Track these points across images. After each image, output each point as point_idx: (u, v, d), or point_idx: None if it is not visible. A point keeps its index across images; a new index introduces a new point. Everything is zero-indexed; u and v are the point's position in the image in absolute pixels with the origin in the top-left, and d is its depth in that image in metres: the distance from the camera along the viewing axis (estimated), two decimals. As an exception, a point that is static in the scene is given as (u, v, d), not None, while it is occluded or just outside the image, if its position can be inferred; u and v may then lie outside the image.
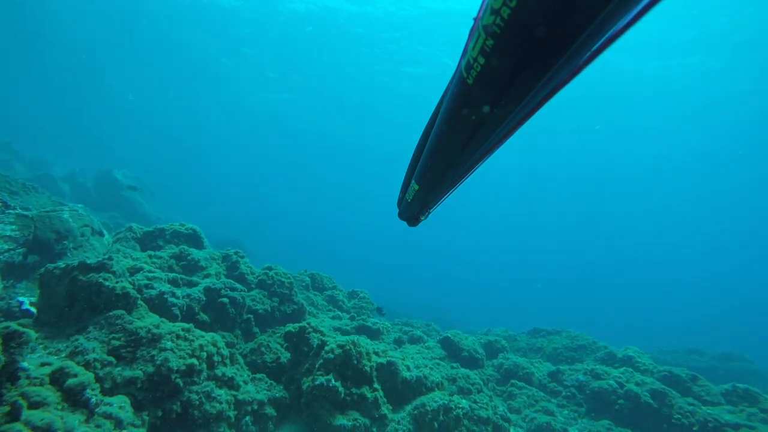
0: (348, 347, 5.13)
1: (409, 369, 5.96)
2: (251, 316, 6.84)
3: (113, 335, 4.58)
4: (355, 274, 39.38)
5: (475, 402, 6.50)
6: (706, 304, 60.87)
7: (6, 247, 5.92)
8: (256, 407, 4.96)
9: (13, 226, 6.19)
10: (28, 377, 3.39)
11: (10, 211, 6.28)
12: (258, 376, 5.37)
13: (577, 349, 10.87)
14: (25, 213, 6.45)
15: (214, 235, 29.59)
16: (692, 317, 51.92)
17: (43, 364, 3.69)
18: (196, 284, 6.68)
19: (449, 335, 8.98)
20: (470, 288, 59.67)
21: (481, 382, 7.41)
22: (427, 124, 1.70)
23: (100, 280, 4.99)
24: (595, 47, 0.89)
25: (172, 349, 4.51)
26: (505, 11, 0.83)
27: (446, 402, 5.78)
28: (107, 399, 3.73)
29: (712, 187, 49.79)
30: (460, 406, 5.89)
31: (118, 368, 4.30)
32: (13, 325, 3.25)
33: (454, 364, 7.95)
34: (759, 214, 52.37)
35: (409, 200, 2.03)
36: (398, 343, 9.00)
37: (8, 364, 3.14)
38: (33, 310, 5.74)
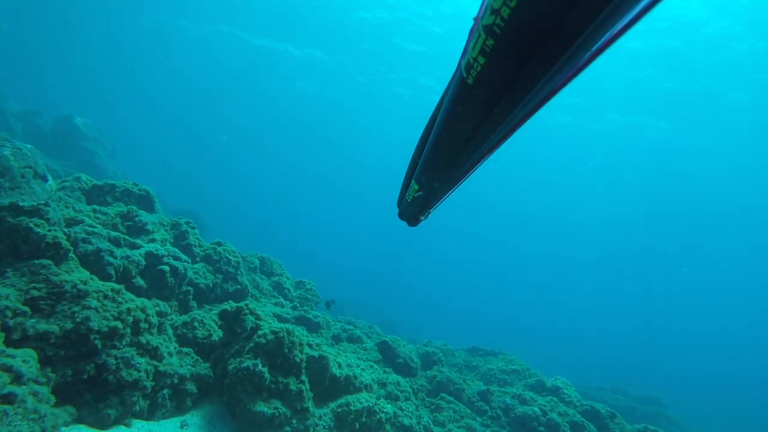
0: (282, 335, 5.04)
1: (340, 366, 5.93)
2: (191, 288, 6.63)
3: (34, 284, 4.33)
4: (309, 265, 39.04)
5: (400, 409, 6.53)
6: (646, 346, 63.82)
7: (-66, 173, 5.51)
8: (176, 381, 4.80)
9: (-53, 153, 5.78)
10: (-75, 313, 3.14)
11: (-53, 136, 5.85)
12: (185, 350, 5.20)
13: (511, 373, 11.14)
14: (-37, 142, 6.03)
15: (171, 201, 28.67)
16: (631, 357, 54.31)
17: (-54, 303, 3.44)
18: (138, 247, 6.42)
19: (387, 340, 9.01)
20: (421, 297, 60.29)
21: (411, 391, 7.45)
22: (427, 124, 1.70)
23: (31, 225, 4.71)
24: (595, 47, 0.89)
25: (96, 309, 4.30)
26: (505, 11, 0.83)
27: (371, 404, 5.78)
28: (11, 351, 3.51)
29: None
30: (385, 410, 5.90)
31: (33, 320, 4.06)
32: None
33: (387, 369, 7.97)
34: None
35: (409, 200, 2.03)
36: (336, 339, 8.95)
37: None
38: (-48, 245, 5.35)
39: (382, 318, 26.16)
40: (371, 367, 7.14)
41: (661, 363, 55.47)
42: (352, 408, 5.57)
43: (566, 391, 9.43)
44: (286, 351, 5.08)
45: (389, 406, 6.10)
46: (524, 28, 0.84)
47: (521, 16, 0.82)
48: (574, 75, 0.98)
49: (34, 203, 4.90)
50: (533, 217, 64.57)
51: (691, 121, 29.43)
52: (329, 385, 5.76)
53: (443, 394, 8.67)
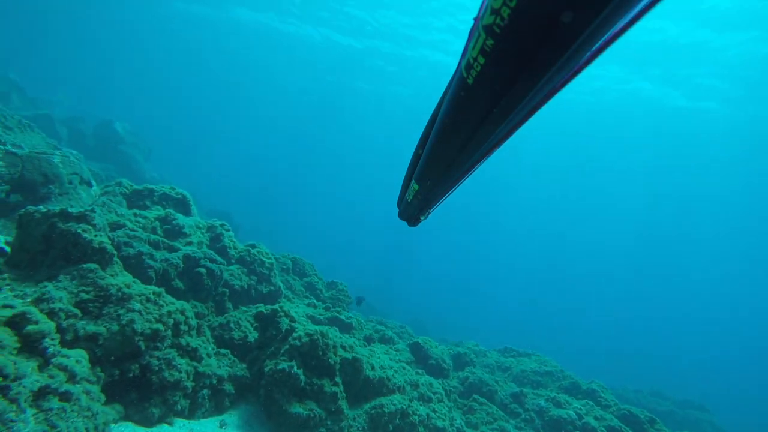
0: (316, 337, 5.12)
1: (373, 368, 5.97)
2: (227, 290, 6.80)
3: (83, 288, 4.53)
4: (339, 265, 39.33)
5: (433, 411, 6.53)
6: (684, 348, 61.50)
7: (-10, 182, 5.84)
8: (215, 382, 4.94)
9: (1, 163, 6.11)
10: (-12, 317, 3.34)
11: (0, 146, 6.19)
12: (222, 351, 5.35)
13: (544, 375, 10.95)
14: (15, 151, 6.37)
15: (205, 203, 29.44)
16: (667, 359, 52.48)
17: (5, 306, 3.65)
18: (177, 250, 6.63)
19: (419, 341, 9.00)
20: (452, 296, 59.86)
21: (443, 392, 7.43)
22: (427, 124, 1.70)
23: (79, 230, 4.93)
24: (595, 47, 0.89)
25: (139, 311, 4.48)
26: (505, 11, 0.83)
27: (405, 406, 5.80)
28: (65, 351, 3.69)
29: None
30: (418, 412, 5.91)
31: (83, 322, 4.26)
32: (-19, 262, 3.20)
33: (420, 370, 7.96)
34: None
35: (409, 200, 2.04)
36: (368, 340, 9.00)
37: (-31, 301, 3.09)
38: (7, 249, 5.66)
39: (412, 316, 26.14)
40: (404, 368, 7.15)
41: (701, 365, 53.36)
42: (385, 410, 5.60)
43: (602, 394, 9.19)
44: (321, 353, 5.15)
45: (422, 407, 6.11)
46: (524, 28, 0.84)
47: (521, 16, 0.82)
48: (574, 75, 0.98)
49: (82, 209, 5.13)
50: (560, 210, 63.05)
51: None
52: (363, 387, 5.81)
53: (476, 396, 8.61)
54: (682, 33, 23.48)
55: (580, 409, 8.13)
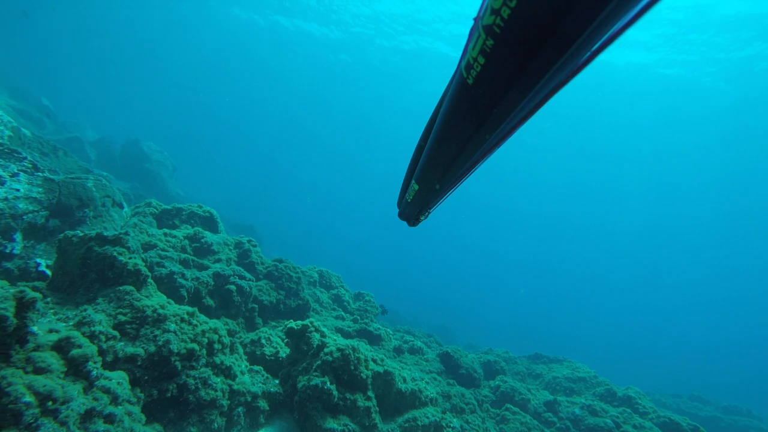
0: (347, 352, 5.13)
1: (405, 381, 5.94)
2: (256, 306, 6.89)
3: (120, 310, 4.66)
4: (363, 272, 39.45)
5: (467, 422, 6.46)
6: (719, 351, 59.27)
7: (31, 208, 6.07)
8: (249, 399, 4.99)
9: (40, 189, 6.35)
10: (36, 342, 3.46)
11: (39, 173, 6.44)
12: (255, 368, 5.41)
13: (577, 381, 10.71)
14: (53, 177, 6.61)
15: (229, 217, 29.93)
16: (702, 361, 50.66)
17: (51, 331, 3.77)
18: (206, 268, 6.76)
19: (449, 351, 8.92)
20: (477, 301, 59.26)
21: (476, 403, 7.34)
22: (427, 124, 1.71)
23: (115, 254, 5.07)
24: (595, 47, 0.89)
25: (175, 332, 4.57)
26: (505, 11, 0.84)
27: (438, 419, 5.74)
28: (107, 373, 3.80)
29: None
30: (452, 425, 5.85)
31: (121, 343, 4.38)
32: (28, 290, 3.32)
33: (451, 381, 7.89)
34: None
35: (409, 200, 2.04)
36: (398, 351, 8.97)
37: (19, 327, 3.22)
38: (48, 272, 5.88)
39: (440, 324, 25.94)
40: (435, 379, 7.11)
41: (744, 369, 51.22)
42: (419, 423, 5.56)
43: (640, 401, 8.91)
44: (353, 368, 5.16)
45: (456, 419, 6.04)
46: (524, 28, 0.84)
47: (521, 16, 0.82)
48: (574, 74, 0.98)
49: (116, 233, 5.28)
50: (571, 201, 61.57)
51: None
52: (395, 400, 5.78)
53: (508, 405, 8.47)
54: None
55: (618, 417, 7.91)
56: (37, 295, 3.37)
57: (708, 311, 67.35)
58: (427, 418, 5.66)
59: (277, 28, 36.88)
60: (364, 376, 5.25)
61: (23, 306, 3.28)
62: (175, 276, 6.01)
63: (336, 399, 5.00)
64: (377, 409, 5.35)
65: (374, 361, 5.66)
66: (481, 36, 0.94)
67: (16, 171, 6.20)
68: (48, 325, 3.98)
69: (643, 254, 65.92)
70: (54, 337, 3.68)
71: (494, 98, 1.04)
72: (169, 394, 4.44)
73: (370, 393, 5.28)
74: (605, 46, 0.89)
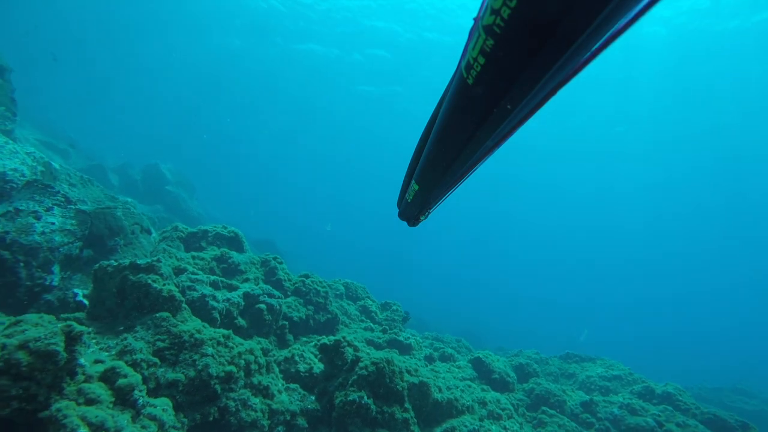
0: (382, 365, 5.15)
1: (440, 390, 5.93)
2: (286, 323, 6.97)
3: (158, 337, 4.76)
4: (384, 280, 39.42)
5: (505, 429, 6.40)
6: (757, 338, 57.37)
7: (66, 240, 6.26)
8: (288, 417, 5.04)
9: (73, 221, 6.55)
10: (84, 374, 3.57)
11: (71, 206, 6.64)
12: (292, 386, 5.46)
13: (612, 379, 10.50)
14: (84, 209, 6.81)
15: (249, 234, 30.32)
16: (738, 352, 49.12)
17: (96, 362, 3.88)
18: (235, 288, 6.87)
19: (480, 356, 8.86)
20: (502, 302, 58.65)
21: (512, 408, 7.27)
22: (427, 124, 1.70)
23: (149, 281, 5.20)
24: (595, 46, 0.90)
25: (212, 355, 4.66)
26: (505, 11, 0.83)
27: (476, 427, 5.72)
28: (152, 400, 3.88)
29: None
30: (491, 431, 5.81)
31: (162, 369, 4.48)
32: (75, 324, 3.43)
33: (485, 387, 7.84)
34: None
35: (409, 200, 2.03)
36: (429, 359, 8.95)
37: (69, 361, 3.32)
38: (85, 302, 6.03)
39: (466, 327, 25.75)
40: (469, 386, 7.07)
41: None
42: (457, 432, 5.54)
43: (681, 398, 8.67)
44: (388, 380, 5.17)
45: (494, 426, 6.00)
46: (524, 28, 0.84)
47: (521, 16, 0.82)
48: (574, 74, 0.98)
49: (149, 260, 5.41)
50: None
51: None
52: (432, 410, 5.77)
53: (544, 408, 8.35)
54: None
55: (659, 416, 7.72)
56: (84, 328, 3.48)
57: (733, 297, 65.33)
58: (466, 426, 5.64)
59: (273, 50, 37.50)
60: (400, 388, 5.26)
61: (71, 339, 3.39)
62: (207, 299, 6.13)
63: (374, 413, 5.01)
64: (415, 420, 5.34)
65: (408, 372, 5.67)
66: (481, 36, 0.94)
67: (50, 205, 6.41)
68: (92, 355, 4.09)
69: (655, 245, 64.43)
70: (100, 367, 3.79)
71: (494, 98, 1.05)
72: (211, 418, 4.52)
73: (407, 405, 5.28)
74: (605, 46, 0.89)
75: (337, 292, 9.77)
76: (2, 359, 2.94)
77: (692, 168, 41.09)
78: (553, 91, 1.04)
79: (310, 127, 58.82)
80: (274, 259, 7.98)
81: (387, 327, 9.24)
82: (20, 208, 6.13)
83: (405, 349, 8.38)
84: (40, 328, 3.33)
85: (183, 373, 4.48)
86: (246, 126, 65.06)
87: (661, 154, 40.14)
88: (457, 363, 8.86)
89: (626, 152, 42.45)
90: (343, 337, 5.54)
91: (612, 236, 67.47)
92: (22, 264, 5.72)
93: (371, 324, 9.26)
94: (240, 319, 6.44)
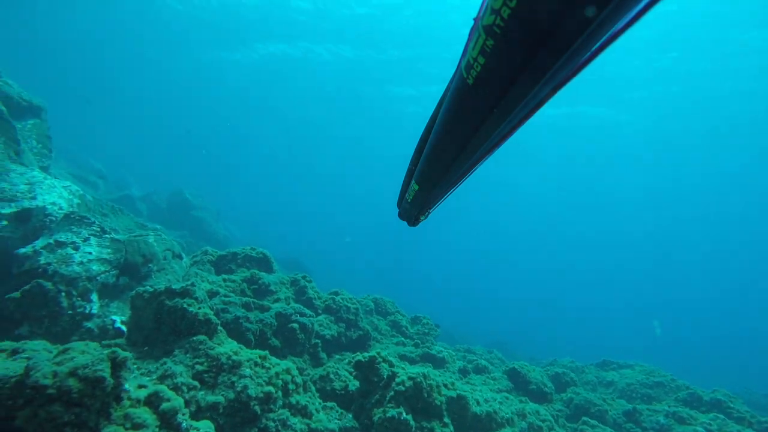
0: (419, 380, 5.09)
1: (478, 403, 5.82)
2: (319, 341, 6.98)
3: (197, 360, 4.82)
4: (411, 293, 39.20)
5: (546, 441, 6.23)
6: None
7: (103, 269, 6.43)
8: (327, 436, 5.01)
9: (109, 250, 6.73)
10: (129, 398, 3.63)
11: (106, 235, 6.84)
12: (329, 404, 5.45)
13: (653, 386, 10.13)
14: (118, 237, 7.00)
15: (275, 254, 30.67)
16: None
17: (140, 386, 3.95)
18: (267, 308, 6.93)
19: (516, 367, 8.69)
20: (529, 312, 57.58)
21: (552, 419, 7.08)
22: (427, 124, 1.70)
23: (185, 305, 5.28)
24: (595, 47, 0.89)
25: (250, 377, 4.68)
26: (505, 11, 0.83)
27: (518, 440, 5.57)
28: (196, 424, 3.92)
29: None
30: (533, 445, 5.65)
31: (202, 392, 4.52)
32: (119, 351, 3.51)
33: (523, 398, 7.66)
34: None
35: (409, 200, 2.03)
36: (463, 372, 8.82)
37: (115, 386, 3.38)
38: (124, 328, 6.18)
39: (495, 339, 25.30)
40: (507, 398, 6.92)
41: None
42: (498, 446, 5.41)
43: (732, 405, 8.26)
44: (426, 395, 5.11)
45: (535, 440, 5.84)
46: (524, 28, 0.83)
47: (521, 16, 0.82)
48: (574, 74, 0.97)
49: (184, 285, 5.51)
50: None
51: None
52: (471, 424, 5.66)
53: (585, 418, 8.10)
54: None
55: (710, 425, 7.36)
56: (128, 354, 3.55)
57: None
58: (507, 440, 5.51)
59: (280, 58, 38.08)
60: (438, 403, 5.19)
61: (117, 365, 3.46)
62: (241, 320, 6.19)
63: (414, 429, 4.95)
64: (455, 435, 5.25)
65: (445, 386, 5.59)
66: (481, 36, 0.94)
67: (87, 236, 6.62)
68: (135, 380, 4.16)
69: (687, 247, 62.43)
70: (144, 392, 3.85)
71: (494, 98, 1.04)
72: (252, 439, 4.53)
73: (446, 419, 5.20)
74: (605, 46, 0.89)
75: (367, 308, 9.75)
76: (55, 386, 3.02)
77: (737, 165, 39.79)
78: (553, 92, 1.04)
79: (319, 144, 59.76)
80: (303, 278, 8.04)
81: (419, 341, 9.16)
82: (60, 240, 6.34)
83: (438, 362, 8.28)
84: (87, 355, 3.42)
85: (222, 395, 4.52)
86: (259, 146, 66.46)
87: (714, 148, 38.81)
88: (491, 375, 8.70)
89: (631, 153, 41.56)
90: (378, 353, 5.51)
91: (628, 239, 65.89)
92: (63, 294, 5.89)
93: (402, 339, 9.20)
94: (273, 339, 6.48)
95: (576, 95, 32.24)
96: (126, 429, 3.41)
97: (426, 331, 9.84)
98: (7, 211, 6.04)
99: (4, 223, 5.96)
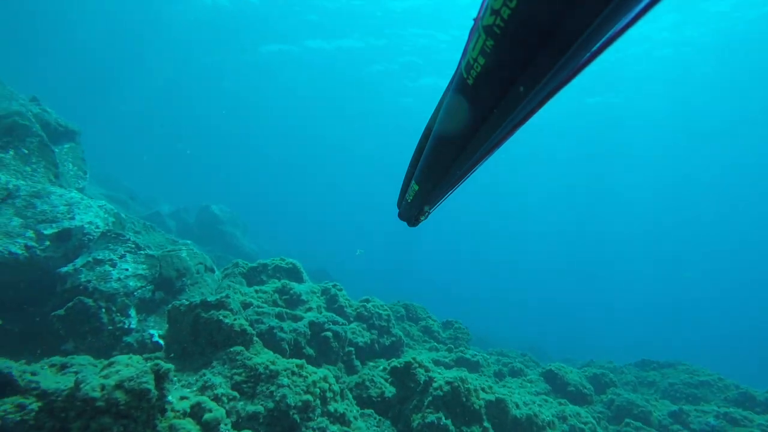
0: (456, 384, 5.03)
1: (518, 406, 5.70)
2: (352, 349, 6.97)
3: (235, 371, 4.88)
4: (437, 302, 38.92)
5: (590, 444, 6.05)
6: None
7: (139, 284, 6.60)
8: (367, 444, 4.99)
9: (144, 266, 6.91)
10: (173, 410, 3.69)
11: (141, 252, 7.02)
12: (366, 411, 5.42)
13: (699, 386, 9.73)
14: (153, 253, 7.18)
15: (303, 265, 30.91)
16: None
17: (182, 398, 4.01)
18: (300, 318, 6.97)
19: (552, 368, 8.49)
20: (556, 315, 56.42)
21: (594, 421, 6.88)
22: (427, 125, 1.70)
23: (220, 317, 5.36)
24: (595, 47, 0.89)
25: (288, 386, 4.70)
26: (505, 11, 0.83)
27: (561, 444, 5.43)
28: (238, 434, 3.95)
29: None
30: (576, 449, 5.50)
31: (241, 403, 4.56)
32: (162, 363, 3.57)
33: (562, 400, 7.47)
34: None
35: (409, 201, 2.02)
36: (499, 376, 8.67)
37: (159, 398, 3.44)
38: (161, 342, 6.30)
39: (527, 342, 24.87)
40: (546, 401, 6.77)
41: None
42: (541, 450, 5.28)
43: (790, 405, 7.87)
44: (464, 399, 5.04)
45: (579, 443, 5.68)
46: (524, 28, 0.84)
47: (521, 16, 0.82)
48: (574, 75, 0.96)
49: (218, 297, 5.60)
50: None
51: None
52: (511, 428, 5.54)
53: (628, 420, 7.84)
54: None
55: None
56: (170, 366, 3.61)
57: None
58: (549, 444, 5.37)
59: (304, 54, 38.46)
60: (477, 407, 5.11)
61: (160, 377, 3.52)
62: (275, 330, 6.25)
63: (453, 434, 4.88)
64: (496, 440, 5.15)
65: (483, 389, 5.50)
66: (481, 36, 0.94)
67: (123, 252, 6.81)
68: (177, 393, 4.24)
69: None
70: (186, 404, 3.91)
71: (494, 98, 1.04)
72: (292, 448, 4.54)
73: (486, 423, 5.11)
74: (606, 46, 0.88)
75: (398, 314, 9.71)
76: (103, 399, 3.09)
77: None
78: (553, 92, 1.03)
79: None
80: (334, 286, 8.08)
81: (452, 346, 9.07)
82: (98, 257, 6.54)
83: (473, 366, 8.16)
84: (131, 368, 3.49)
85: (262, 405, 4.55)
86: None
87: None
88: (527, 377, 8.53)
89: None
90: (414, 358, 5.47)
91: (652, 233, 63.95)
92: (103, 310, 6.06)
93: (435, 344, 9.12)
94: (308, 348, 6.50)
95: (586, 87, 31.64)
96: (173, 440, 3.46)
97: (458, 335, 9.73)
98: (49, 231, 6.27)
99: (47, 243, 6.18)
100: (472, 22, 1.05)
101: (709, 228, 58.62)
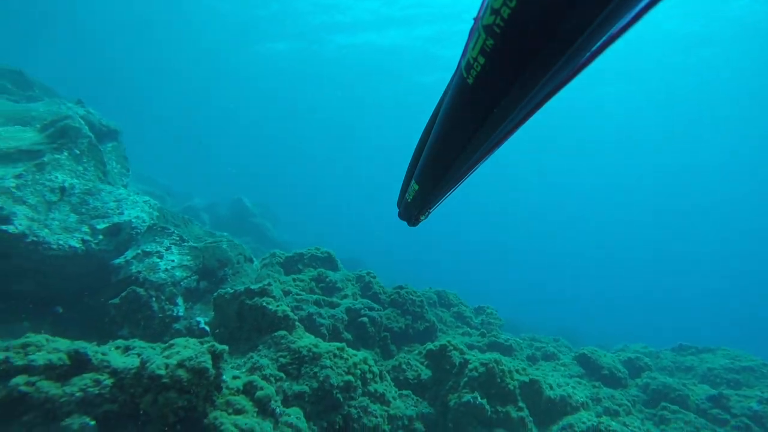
0: (491, 365, 5.18)
1: (552, 387, 5.82)
2: (388, 334, 7.20)
3: (280, 353, 5.16)
4: (472, 285, 38.78)
5: (625, 425, 6.11)
6: None
7: (186, 275, 6.98)
8: (406, 422, 5.21)
9: (188, 257, 7.29)
10: (228, 388, 3.99)
11: (185, 244, 7.40)
12: (404, 392, 5.64)
13: (741, 371, 9.53)
14: (196, 245, 7.55)
15: (337, 255, 31.35)
16: None
17: (234, 377, 4.32)
18: (336, 305, 7.23)
19: (586, 352, 8.52)
20: (588, 300, 55.39)
21: (629, 403, 6.91)
22: (428, 124, 1.70)
23: (264, 303, 5.65)
24: (595, 47, 0.89)
25: (331, 367, 4.96)
26: (505, 11, 0.83)
27: (596, 423, 5.52)
28: (287, 410, 4.23)
29: None
30: (611, 428, 5.57)
31: (287, 383, 4.84)
32: (217, 344, 3.86)
33: (596, 383, 7.52)
34: None
35: (409, 200, 2.02)
36: (532, 360, 8.76)
37: (216, 376, 3.73)
38: (207, 328, 6.66)
39: (558, 326, 24.65)
40: (579, 383, 6.84)
41: None
42: (576, 429, 5.39)
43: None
44: (499, 380, 5.19)
45: (614, 422, 5.75)
46: (524, 28, 0.83)
47: (521, 16, 0.82)
48: (575, 74, 0.97)
49: (261, 284, 5.89)
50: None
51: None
52: (546, 408, 5.67)
53: (664, 403, 7.82)
54: None
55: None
56: (225, 347, 3.90)
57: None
58: (584, 423, 5.47)
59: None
60: (512, 388, 5.25)
61: (216, 357, 3.81)
62: (314, 316, 6.52)
63: (489, 413, 5.04)
64: (531, 418, 5.29)
65: (517, 371, 5.64)
66: (481, 36, 0.94)
67: (168, 245, 7.20)
68: (229, 372, 4.55)
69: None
70: (239, 382, 4.20)
71: (494, 98, 1.04)
72: (337, 426, 4.80)
73: (521, 404, 5.25)
74: (606, 46, 0.88)
75: (431, 300, 9.88)
76: (168, 376, 3.38)
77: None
78: (553, 92, 1.04)
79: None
80: (368, 274, 8.31)
81: (485, 331, 9.19)
82: (146, 249, 6.94)
83: (506, 350, 8.28)
84: (190, 350, 3.78)
85: (307, 384, 4.82)
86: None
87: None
88: (561, 361, 8.59)
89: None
90: (449, 341, 5.64)
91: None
92: (154, 298, 6.45)
93: (468, 329, 9.26)
94: (346, 333, 6.76)
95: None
96: (229, 414, 3.75)
97: (490, 321, 9.85)
98: (101, 226, 6.69)
99: (100, 237, 6.61)
100: (473, 22, 1.05)
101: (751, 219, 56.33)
